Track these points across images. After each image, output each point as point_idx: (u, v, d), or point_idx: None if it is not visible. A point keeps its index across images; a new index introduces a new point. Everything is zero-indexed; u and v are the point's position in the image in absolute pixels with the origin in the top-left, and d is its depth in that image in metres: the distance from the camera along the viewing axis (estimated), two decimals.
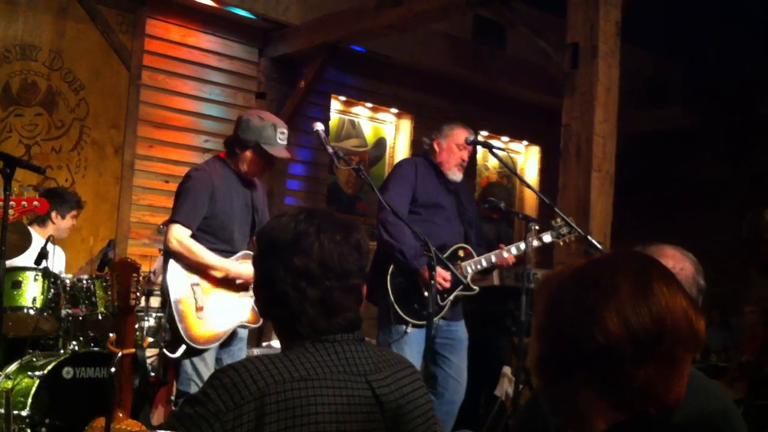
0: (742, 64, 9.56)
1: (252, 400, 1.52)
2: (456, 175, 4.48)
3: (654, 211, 9.67)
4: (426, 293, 4.01)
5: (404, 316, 4.18)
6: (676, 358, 1.21)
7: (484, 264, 4.37)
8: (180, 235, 3.84)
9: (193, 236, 3.89)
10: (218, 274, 3.89)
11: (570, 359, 1.22)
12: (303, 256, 1.69)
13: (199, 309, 3.83)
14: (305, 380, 1.58)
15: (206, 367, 3.83)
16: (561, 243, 4.46)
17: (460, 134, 4.48)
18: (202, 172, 3.98)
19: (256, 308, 3.96)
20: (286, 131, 4.00)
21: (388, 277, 4.20)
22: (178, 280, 3.84)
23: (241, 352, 4.03)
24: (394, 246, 4.18)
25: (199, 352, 3.84)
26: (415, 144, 8.44)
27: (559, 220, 4.36)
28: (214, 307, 3.89)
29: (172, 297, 3.81)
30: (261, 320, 4.04)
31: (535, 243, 4.37)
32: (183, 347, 3.79)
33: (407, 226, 3.86)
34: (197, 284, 3.86)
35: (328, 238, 1.71)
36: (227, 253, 3.98)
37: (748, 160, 9.39)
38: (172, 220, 3.91)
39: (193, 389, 3.75)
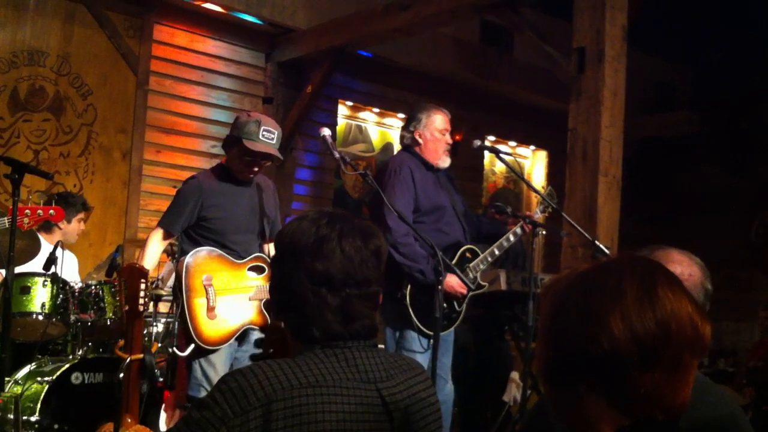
0: (749, 69, 9.53)
1: (259, 405, 1.51)
2: (446, 162, 4.43)
3: (660, 216, 9.64)
4: (446, 302, 4.09)
5: (428, 331, 4.10)
6: (681, 363, 1.20)
7: (490, 259, 4.39)
8: (153, 237, 4.05)
9: (193, 239, 4.01)
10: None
11: (576, 365, 1.22)
12: (325, 261, 1.66)
13: (210, 309, 3.86)
14: (313, 387, 1.57)
15: (215, 372, 3.84)
16: (547, 214, 4.63)
17: (439, 118, 4.40)
18: (193, 180, 4.12)
19: (264, 311, 3.99)
20: (274, 131, 3.99)
21: (407, 293, 4.12)
22: (192, 279, 3.87)
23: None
24: (411, 267, 4.08)
25: (208, 353, 3.86)
26: None
27: (549, 187, 4.43)
28: (225, 307, 3.91)
29: (185, 296, 3.83)
30: (267, 323, 4.03)
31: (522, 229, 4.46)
32: (192, 346, 3.81)
33: (415, 234, 3.88)
34: (210, 285, 3.89)
35: (349, 243, 1.67)
36: (234, 255, 4.01)
37: (755, 165, 9.36)
38: (157, 224, 4.11)
39: (203, 394, 3.74)
